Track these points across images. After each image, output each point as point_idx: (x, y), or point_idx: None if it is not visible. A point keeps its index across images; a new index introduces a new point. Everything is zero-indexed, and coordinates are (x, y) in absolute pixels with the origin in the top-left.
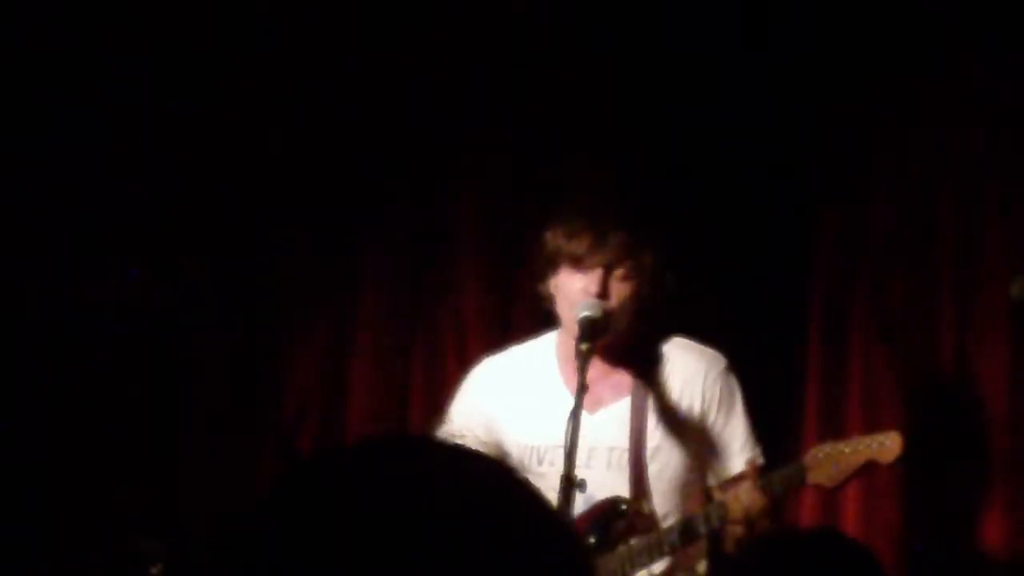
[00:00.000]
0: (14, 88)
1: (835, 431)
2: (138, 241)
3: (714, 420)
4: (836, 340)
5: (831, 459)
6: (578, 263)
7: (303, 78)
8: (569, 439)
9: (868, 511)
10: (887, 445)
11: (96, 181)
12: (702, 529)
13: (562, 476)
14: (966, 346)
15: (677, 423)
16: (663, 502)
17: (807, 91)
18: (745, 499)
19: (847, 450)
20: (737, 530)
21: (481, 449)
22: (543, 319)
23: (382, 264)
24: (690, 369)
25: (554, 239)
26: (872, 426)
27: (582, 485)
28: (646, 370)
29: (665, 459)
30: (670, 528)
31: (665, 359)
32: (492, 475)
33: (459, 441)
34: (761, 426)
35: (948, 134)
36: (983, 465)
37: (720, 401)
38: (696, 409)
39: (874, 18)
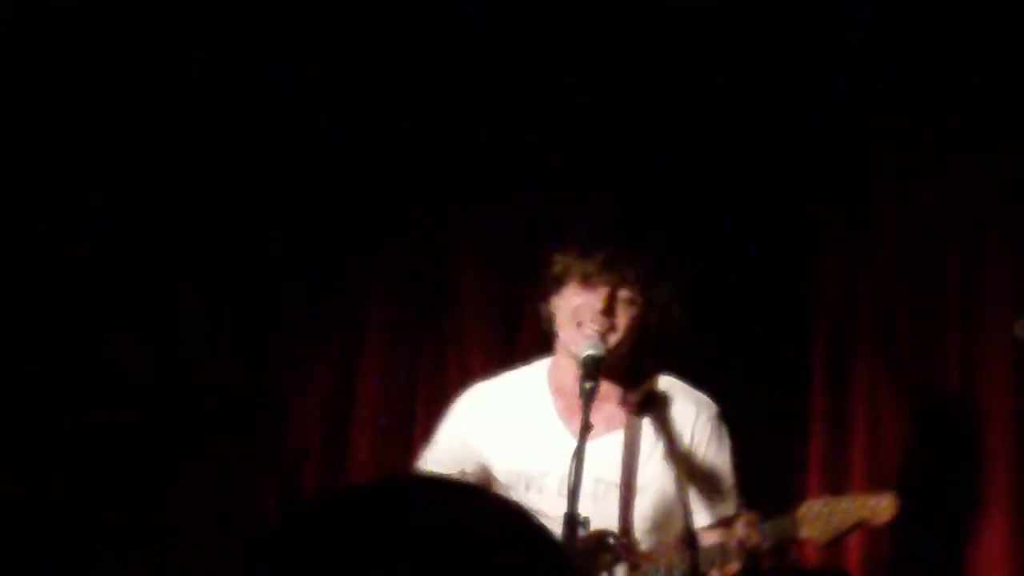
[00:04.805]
0: (28, 91)
1: (840, 469)
2: (142, 272)
3: (701, 464)
4: (840, 378)
5: (823, 516)
6: (587, 281)
7: (308, 112)
8: (572, 478)
9: (871, 549)
10: (881, 507)
11: (99, 214)
12: (704, 566)
13: (565, 514)
14: (972, 385)
15: (665, 463)
16: (644, 539)
17: (810, 127)
18: (742, 535)
19: (840, 507)
20: (733, 567)
21: (468, 476)
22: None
23: (387, 304)
24: (681, 411)
25: (565, 258)
26: (876, 464)
27: (586, 523)
28: (640, 406)
29: (651, 496)
30: (689, 554)
31: (659, 398)
32: (499, 513)
33: (446, 471)
34: (765, 465)
35: (951, 169)
36: (988, 503)
37: (708, 446)
38: (685, 451)
39: (878, 53)
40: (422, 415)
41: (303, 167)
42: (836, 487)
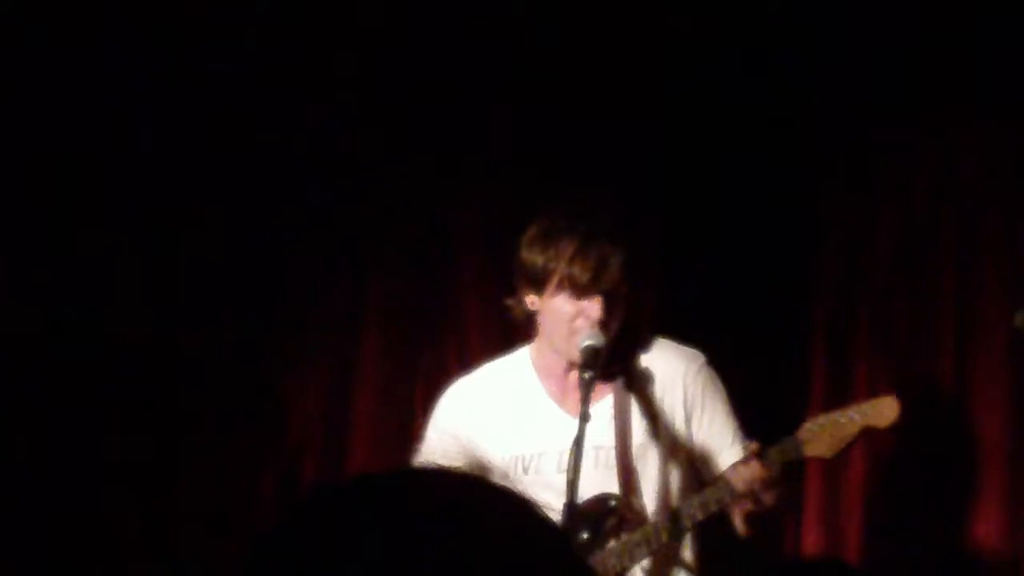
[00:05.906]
0: (28, 91)
1: (840, 467)
2: (140, 264)
3: (700, 417)
4: (840, 378)
5: (825, 430)
6: (579, 291)
7: (307, 110)
8: (571, 467)
9: (869, 540)
10: (883, 409)
11: (101, 215)
12: (686, 522)
13: (565, 504)
14: (966, 374)
15: (660, 421)
16: (652, 500)
17: (811, 115)
18: (746, 473)
19: (842, 419)
20: (746, 506)
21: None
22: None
23: (387, 294)
24: (670, 368)
25: (546, 259)
26: (876, 462)
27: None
28: (626, 370)
29: (651, 457)
30: (659, 523)
31: (644, 359)
32: (501, 503)
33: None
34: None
35: (950, 160)
36: (984, 499)
37: (703, 397)
38: (679, 407)
39: (878, 53)
40: (421, 410)
41: (303, 165)
42: (836, 484)
